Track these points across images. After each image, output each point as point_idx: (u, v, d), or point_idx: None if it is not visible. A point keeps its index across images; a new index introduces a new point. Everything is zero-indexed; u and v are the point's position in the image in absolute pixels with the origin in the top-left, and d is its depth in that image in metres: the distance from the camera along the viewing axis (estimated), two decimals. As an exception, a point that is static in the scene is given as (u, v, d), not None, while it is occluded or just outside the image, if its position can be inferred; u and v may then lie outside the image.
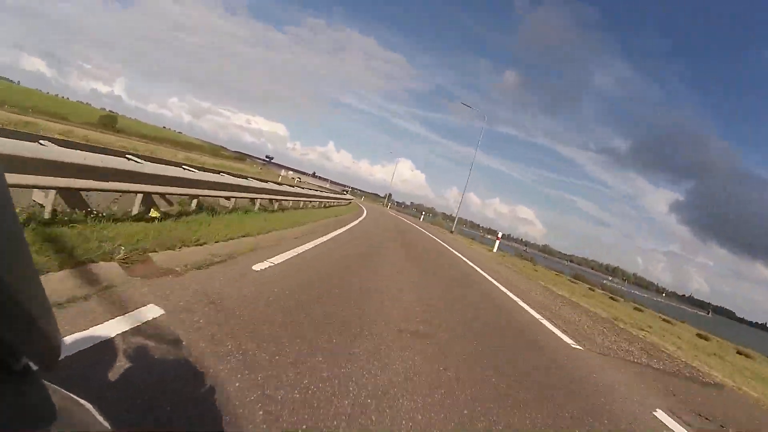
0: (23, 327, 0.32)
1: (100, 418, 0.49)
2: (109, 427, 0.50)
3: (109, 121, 42.73)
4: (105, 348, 1.83)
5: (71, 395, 0.47)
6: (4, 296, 0.28)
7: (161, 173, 4.78)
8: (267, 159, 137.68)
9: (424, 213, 56.43)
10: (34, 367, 0.37)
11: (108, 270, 2.79)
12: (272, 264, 4.28)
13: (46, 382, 0.39)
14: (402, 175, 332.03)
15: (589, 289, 18.07)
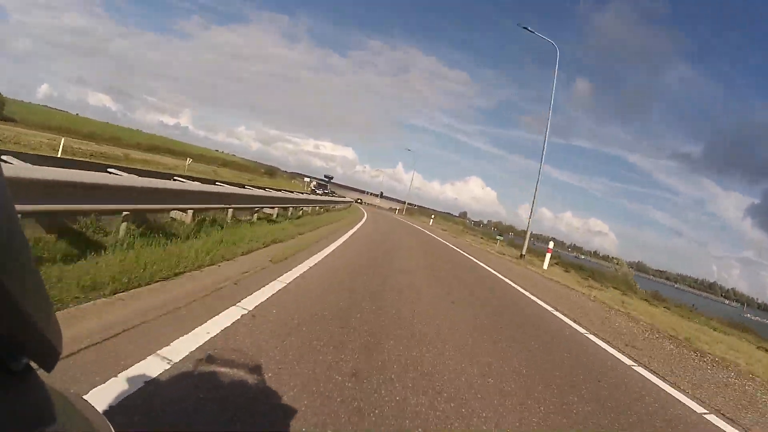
0: (23, 327, 0.32)
1: (100, 418, 0.50)
2: (110, 427, 0.51)
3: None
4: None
5: (71, 395, 0.47)
6: (4, 296, 0.28)
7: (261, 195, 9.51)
8: (326, 179, 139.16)
9: None
10: (35, 367, 0.37)
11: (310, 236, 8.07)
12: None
13: (46, 382, 0.38)
14: (473, 193, 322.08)
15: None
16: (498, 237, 27.72)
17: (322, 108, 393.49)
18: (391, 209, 65.53)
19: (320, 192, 41.45)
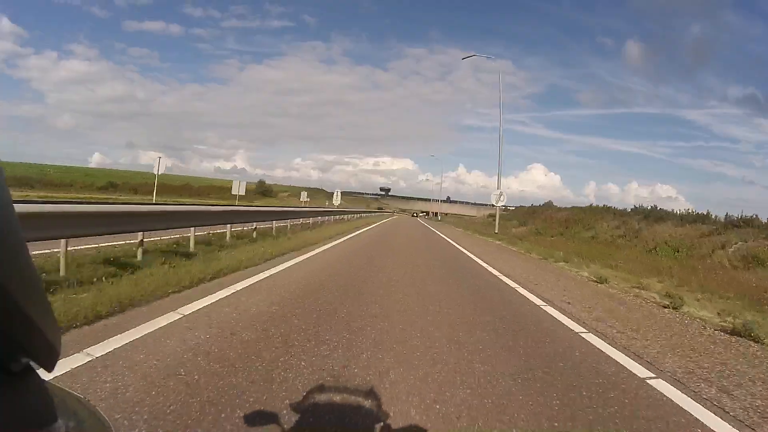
0: (23, 327, 0.32)
1: (100, 418, 0.50)
2: (110, 427, 0.52)
3: None
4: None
5: (71, 395, 0.48)
6: (4, 296, 0.28)
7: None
8: (383, 192, 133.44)
9: None
10: (35, 367, 0.37)
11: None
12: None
13: (46, 382, 0.38)
14: (537, 182, 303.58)
15: None
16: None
17: (375, 125, 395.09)
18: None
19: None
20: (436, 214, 79.20)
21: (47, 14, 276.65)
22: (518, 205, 52.87)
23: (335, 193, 39.30)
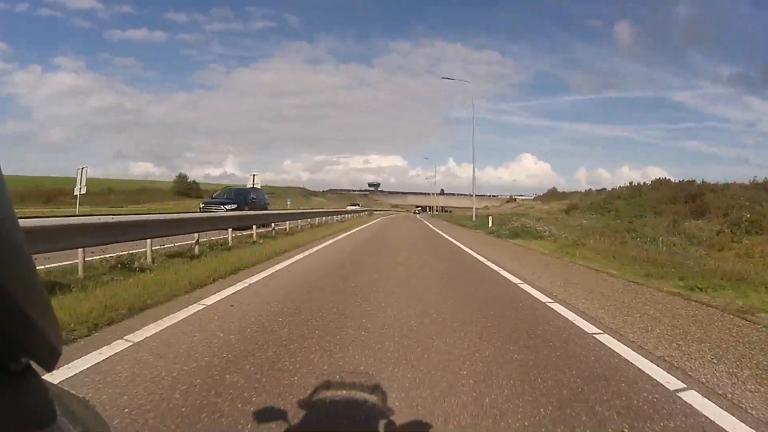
0: (23, 327, 0.32)
1: (100, 419, 0.51)
2: (109, 427, 0.52)
3: None
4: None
5: (71, 395, 0.49)
6: (4, 296, 0.28)
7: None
8: (371, 187, 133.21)
9: None
10: (35, 367, 0.37)
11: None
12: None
13: (46, 382, 0.38)
14: (527, 171, 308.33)
15: None
16: None
17: (365, 122, 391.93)
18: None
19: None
20: (443, 209, 61.72)
21: (30, 28, 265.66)
22: (540, 193, 45.43)
23: (250, 178, 20.18)
